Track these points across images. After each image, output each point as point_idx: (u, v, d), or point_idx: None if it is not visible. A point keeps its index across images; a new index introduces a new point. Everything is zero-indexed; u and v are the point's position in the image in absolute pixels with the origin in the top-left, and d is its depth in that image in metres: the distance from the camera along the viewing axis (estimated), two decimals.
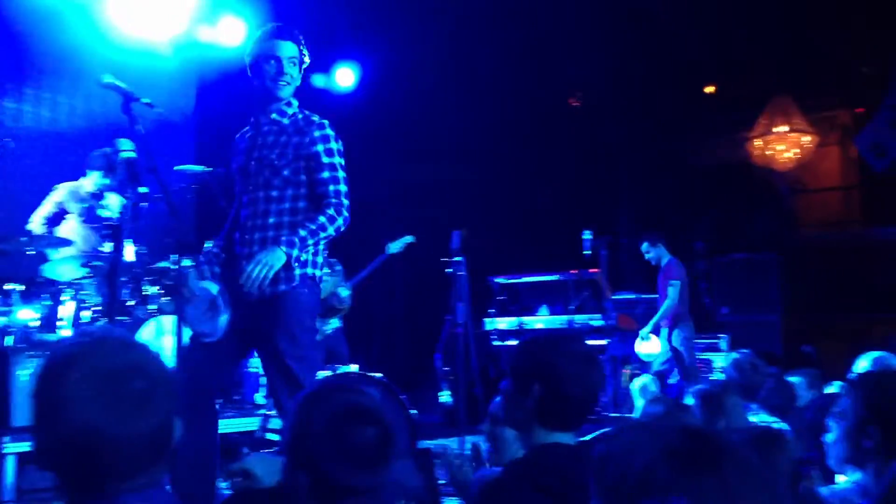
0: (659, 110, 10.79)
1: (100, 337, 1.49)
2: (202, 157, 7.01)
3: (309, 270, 3.39)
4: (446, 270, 6.92)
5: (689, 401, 3.75)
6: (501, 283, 7.92)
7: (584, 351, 2.22)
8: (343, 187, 3.43)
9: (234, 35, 7.96)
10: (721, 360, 7.70)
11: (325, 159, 3.42)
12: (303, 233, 3.32)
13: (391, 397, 4.89)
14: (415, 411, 5.17)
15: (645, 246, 7.65)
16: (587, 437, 2.46)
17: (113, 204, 6.04)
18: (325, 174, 3.42)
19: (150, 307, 5.73)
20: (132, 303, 5.52)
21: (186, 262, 3.94)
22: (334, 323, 7.38)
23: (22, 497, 4.58)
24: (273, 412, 4.66)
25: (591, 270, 7.55)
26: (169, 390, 1.48)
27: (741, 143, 11.90)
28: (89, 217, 6.05)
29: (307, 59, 3.58)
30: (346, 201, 3.43)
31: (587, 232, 7.40)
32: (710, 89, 11.80)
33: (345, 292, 7.24)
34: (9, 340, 5.09)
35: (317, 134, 3.45)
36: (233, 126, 7.90)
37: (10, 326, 5.10)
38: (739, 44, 9.77)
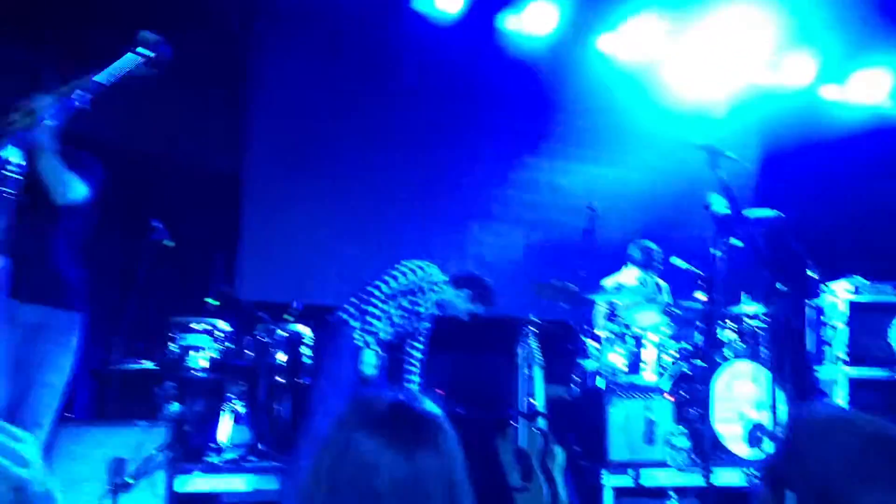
0: None
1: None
2: (766, 199, 6.92)
3: None
4: None
5: None
6: None
7: None
8: None
9: (801, 76, 7.75)
10: None
11: None
12: None
13: None
14: None
15: None
16: None
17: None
18: None
19: (725, 351, 5.82)
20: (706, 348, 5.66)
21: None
22: None
23: None
24: None
25: None
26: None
27: None
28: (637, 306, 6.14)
29: None
30: None
31: None
32: None
33: None
34: (600, 382, 5.66)
35: None
36: (805, 163, 7.57)
37: (601, 369, 5.68)
38: None
